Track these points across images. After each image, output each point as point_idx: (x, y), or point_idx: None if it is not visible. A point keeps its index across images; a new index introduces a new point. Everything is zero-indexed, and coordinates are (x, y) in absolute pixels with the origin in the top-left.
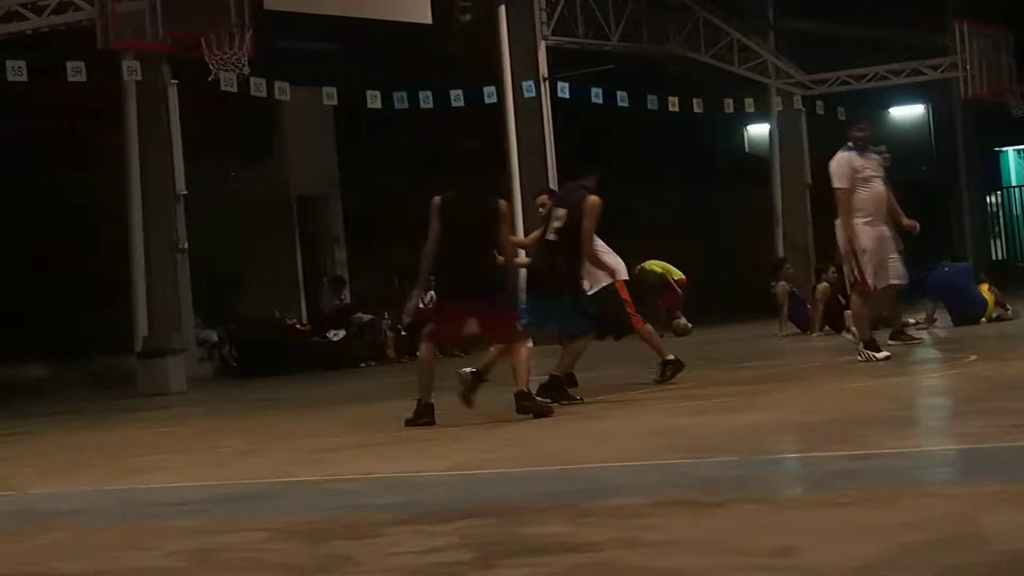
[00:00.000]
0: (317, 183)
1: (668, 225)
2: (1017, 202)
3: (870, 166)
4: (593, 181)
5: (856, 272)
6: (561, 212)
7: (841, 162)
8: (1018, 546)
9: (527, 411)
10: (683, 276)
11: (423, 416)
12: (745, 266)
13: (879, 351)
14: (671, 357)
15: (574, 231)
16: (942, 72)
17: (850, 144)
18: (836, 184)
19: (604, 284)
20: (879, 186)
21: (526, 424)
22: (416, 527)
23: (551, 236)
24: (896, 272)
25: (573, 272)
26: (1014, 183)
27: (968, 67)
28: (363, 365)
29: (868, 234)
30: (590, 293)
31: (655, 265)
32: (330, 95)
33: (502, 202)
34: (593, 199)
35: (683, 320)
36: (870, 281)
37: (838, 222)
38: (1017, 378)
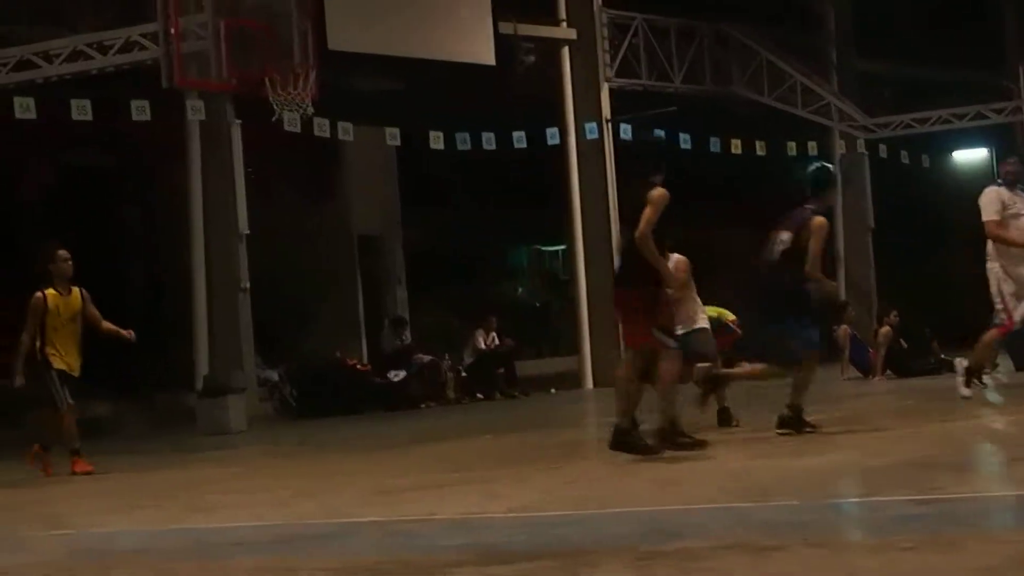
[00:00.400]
0: (379, 223)
1: (730, 267)
2: None
3: (1020, 202)
4: (819, 204)
5: (1004, 313)
6: (785, 235)
7: (990, 195)
8: None
9: (621, 449)
10: (735, 317)
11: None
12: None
13: (969, 386)
14: (726, 405)
15: (798, 253)
16: (1006, 116)
17: (1000, 180)
18: (986, 217)
19: (702, 326)
20: None
21: (588, 465)
22: (477, 568)
23: (774, 258)
24: None
25: (796, 295)
26: None
27: None
28: (423, 406)
29: (1014, 273)
30: (681, 333)
31: (710, 310)
32: (393, 135)
33: (654, 191)
34: (819, 219)
35: (746, 363)
36: (1016, 320)
37: (989, 265)
38: None
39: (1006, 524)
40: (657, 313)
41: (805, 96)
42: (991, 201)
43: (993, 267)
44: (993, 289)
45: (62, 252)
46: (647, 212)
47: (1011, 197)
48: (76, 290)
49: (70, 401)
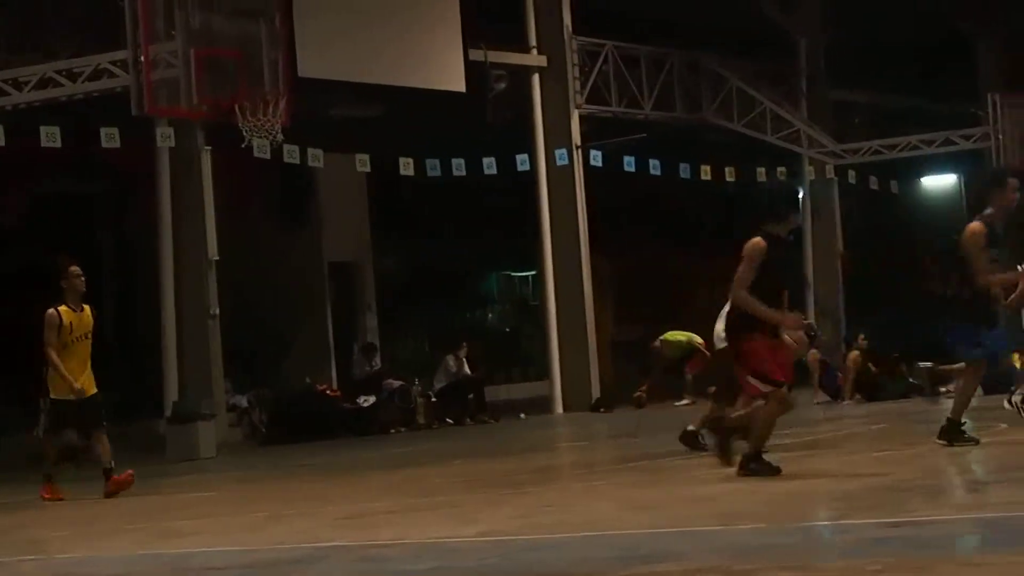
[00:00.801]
0: (350, 250)
1: (698, 291)
2: None
3: None
4: (994, 207)
5: None
6: None
7: None
8: None
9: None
10: (703, 340)
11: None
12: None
13: None
14: (692, 429)
15: (959, 260)
16: (975, 142)
17: None
18: None
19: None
20: None
21: (560, 490)
22: None
23: None
24: None
25: (953, 301)
26: None
27: (1001, 137)
28: (393, 431)
29: None
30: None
31: (679, 335)
32: (363, 162)
33: (749, 243)
34: (972, 225)
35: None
36: None
37: None
38: None
39: (976, 547)
40: (748, 361)
41: (775, 123)
42: None
43: None
44: None
45: (74, 268)
46: (740, 269)
47: None
48: (88, 308)
49: (43, 433)
